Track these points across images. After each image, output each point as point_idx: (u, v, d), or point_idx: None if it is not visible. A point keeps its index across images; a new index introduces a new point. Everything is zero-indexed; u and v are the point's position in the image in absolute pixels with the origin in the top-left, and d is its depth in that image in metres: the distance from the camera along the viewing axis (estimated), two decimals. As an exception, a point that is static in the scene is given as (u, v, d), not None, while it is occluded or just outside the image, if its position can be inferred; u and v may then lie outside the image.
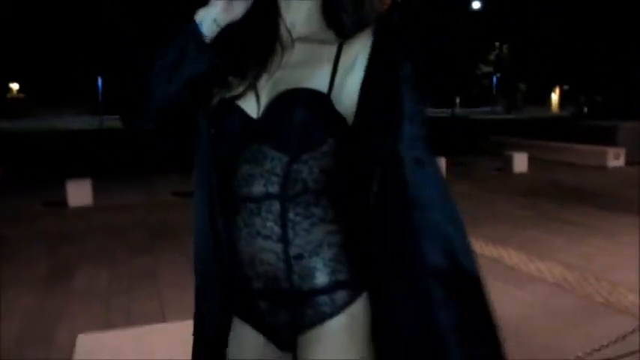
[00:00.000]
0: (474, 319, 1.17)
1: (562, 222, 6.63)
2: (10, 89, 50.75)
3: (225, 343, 1.30)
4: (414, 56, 1.17)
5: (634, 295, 4.14)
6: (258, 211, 1.18)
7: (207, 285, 1.30)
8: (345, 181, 1.20)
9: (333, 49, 1.20)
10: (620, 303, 4.02)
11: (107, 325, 3.85)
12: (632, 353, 3.21)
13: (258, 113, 1.20)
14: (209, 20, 1.21)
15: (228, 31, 1.24)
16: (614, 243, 5.67)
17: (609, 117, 18.34)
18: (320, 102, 1.16)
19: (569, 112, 41.09)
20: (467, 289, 1.17)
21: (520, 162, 11.28)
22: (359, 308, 1.19)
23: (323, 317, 1.19)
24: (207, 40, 1.21)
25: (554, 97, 54.80)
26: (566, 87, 51.71)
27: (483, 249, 5.52)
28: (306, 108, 1.15)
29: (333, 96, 1.17)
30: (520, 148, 12.31)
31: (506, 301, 4.12)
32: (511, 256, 5.28)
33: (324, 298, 1.18)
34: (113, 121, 39.80)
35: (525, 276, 4.72)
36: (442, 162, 10.63)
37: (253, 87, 1.22)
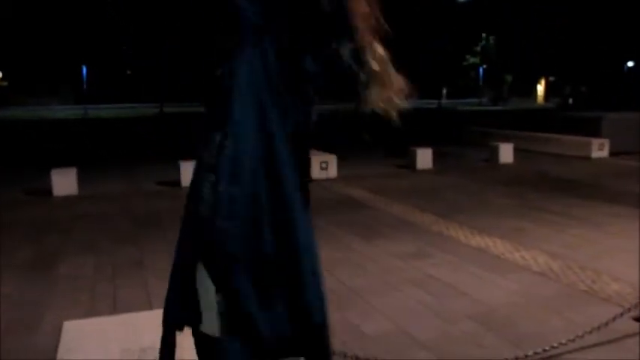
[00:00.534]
0: None
1: (547, 212, 6.69)
2: (-8, 77, 50.05)
3: None
4: None
5: (617, 284, 4.20)
6: None
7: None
8: None
9: None
10: (603, 291, 4.07)
11: (93, 313, 3.83)
12: (615, 340, 3.25)
13: None
14: None
15: None
16: (598, 232, 5.73)
17: (594, 108, 18.52)
18: None
19: (555, 104, 41.44)
20: None
21: (506, 153, 11.35)
22: None
23: None
24: None
25: (540, 88, 55.15)
26: (551, 78, 52.09)
27: (469, 239, 5.56)
28: None
29: None
30: (506, 139, 12.40)
31: (491, 290, 4.17)
32: (497, 245, 5.32)
33: None
34: (97, 110, 39.55)
35: (510, 265, 4.76)
36: (429, 153, 10.70)
37: None
